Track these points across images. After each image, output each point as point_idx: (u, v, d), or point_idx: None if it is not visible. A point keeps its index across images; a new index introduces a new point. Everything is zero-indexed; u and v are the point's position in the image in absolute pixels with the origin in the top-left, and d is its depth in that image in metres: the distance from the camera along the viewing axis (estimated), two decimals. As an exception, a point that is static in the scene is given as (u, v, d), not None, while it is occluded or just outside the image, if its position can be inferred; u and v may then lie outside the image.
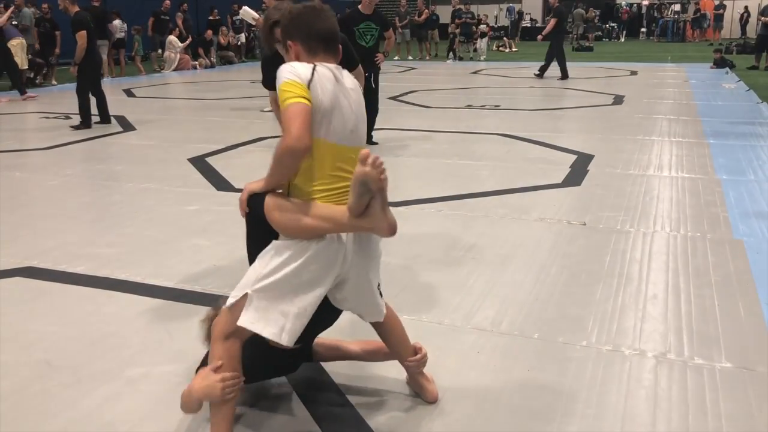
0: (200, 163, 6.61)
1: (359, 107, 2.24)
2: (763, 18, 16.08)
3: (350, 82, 2.25)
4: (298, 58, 2.21)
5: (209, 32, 19.43)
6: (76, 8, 8.68)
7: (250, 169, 6.49)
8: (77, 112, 8.82)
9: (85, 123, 8.76)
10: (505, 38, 25.85)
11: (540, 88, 12.98)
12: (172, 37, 17.25)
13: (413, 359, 2.45)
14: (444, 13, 22.78)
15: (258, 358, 2.32)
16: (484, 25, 21.89)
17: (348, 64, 3.03)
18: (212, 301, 3.31)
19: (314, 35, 2.21)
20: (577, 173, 5.96)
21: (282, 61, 2.31)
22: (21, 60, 13.23)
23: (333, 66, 2.19)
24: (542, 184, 5.62)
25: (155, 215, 4.91)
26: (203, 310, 3.06)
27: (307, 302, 2.12)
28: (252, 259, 2.24)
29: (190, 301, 3.41)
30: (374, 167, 1.96)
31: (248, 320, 2.07)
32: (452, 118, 9.23)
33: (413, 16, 21.20)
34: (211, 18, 20.13)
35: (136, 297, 3.47)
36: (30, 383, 2.65)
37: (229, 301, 2.13)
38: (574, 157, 6.62)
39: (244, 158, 7.03)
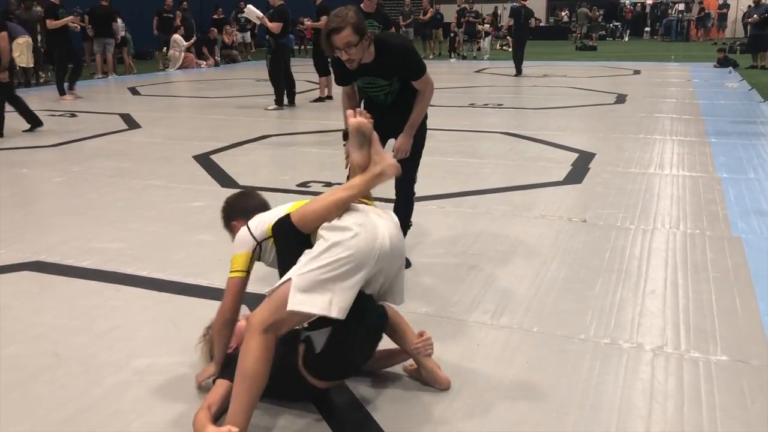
0: (205, 160, 6.67)
1: None
2: (749, 20, 16.44)
3: None
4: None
5: (214, 31, 19.50)
6: None
7: (255, 166, 6.57)
8: (83, 109, 8.87)
9: None
10: (508, 37, 25.85)
11: (543, 87, 13.01)
12: (176, 36, 17.32)
13: (420, 341, 2.51)
14: (448, 12, 22.82)
15: (282, 385, 2.39)
16: (487, 25, 21.92)
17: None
18: (218, 295, 3.38)
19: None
20: (578, 171, 6.01)
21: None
22: (26, 58, 13.31)
23: None
24: (544, 181, 5.67)
25: (161, 211, 4.97)
26: (209, 303, 3.15)
27: (353, 280, 2.19)
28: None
29: (196, 294, 3.47)
30: (362, 115, 2.41)
31: (296, 303, 2.12)
32: (455, 117, 9.27)
33: (417, 15, 21.25)
34: (215, 16, 20.21)
35: (142, 290, 3.53)
36: (38, 374, 2.71)
37: (270, 290, 2.18)
38: (575, 155, 6.66)
39: (249, 155, 7.09)
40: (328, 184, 5.60)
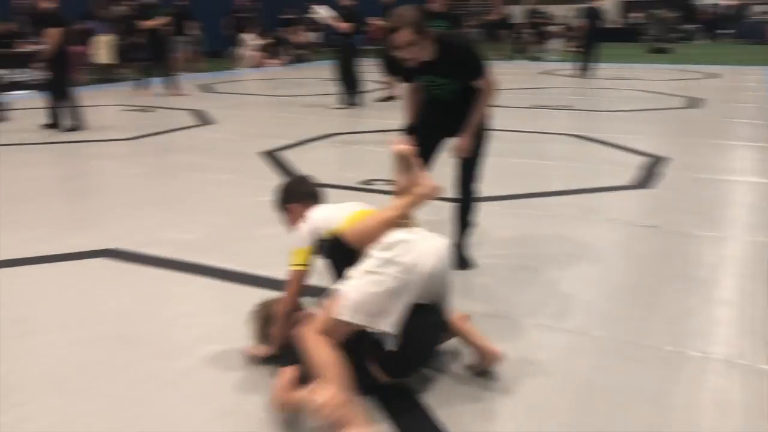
0: (272, 156, 6.80)
1: None
2: None
3: None
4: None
5: (285, 30, 19.83)
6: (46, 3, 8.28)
7: (320, 164, 6.65)
8: (159, 104, 9.16)
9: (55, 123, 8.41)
10: (578, 39, 25.35)
11: (612, 89, 12.72)
12: (248, 35, 17.70)
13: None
14: (516, 13, 22.54)
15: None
16: (557, 25, 21.57)
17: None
18: (280, 286, 3.45)
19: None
20: (649, 175, 5.85)
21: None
22: (108, 55, 13.87)
23: None
24: (613, 185, 5.55)
25: (229, 204, 5.10)
26: (273, 295, 3.21)
27: (400, 295, 2.33)
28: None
29: (261, 285, 3.54)
30: (404, 143, 2.58)
31: (343, 313, 2.27)
32: (521, 118, 9.17)
33: (486, 15, 21.09)
34: (286, 16, 20.55)
35: (210, 280, 3.64)
36: (109, 356, 2.83)
37: (323, 302, 2.31)
38: (646, 159, 6.49)
39: (315, 153, 7.19)
40: (393, 183, 5.62)
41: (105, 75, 14.28)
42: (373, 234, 2.44)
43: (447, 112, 3.56)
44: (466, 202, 3.80)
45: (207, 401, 2.49)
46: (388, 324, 2.31)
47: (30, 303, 3.34)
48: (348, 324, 2.30)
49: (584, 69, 14.90)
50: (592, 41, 14.91)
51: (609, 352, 2.85)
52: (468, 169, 3.69)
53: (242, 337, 2.96)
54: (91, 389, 2.57)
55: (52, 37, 8.06)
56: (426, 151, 3.67)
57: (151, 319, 3.17)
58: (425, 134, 3.63)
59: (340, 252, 2.51)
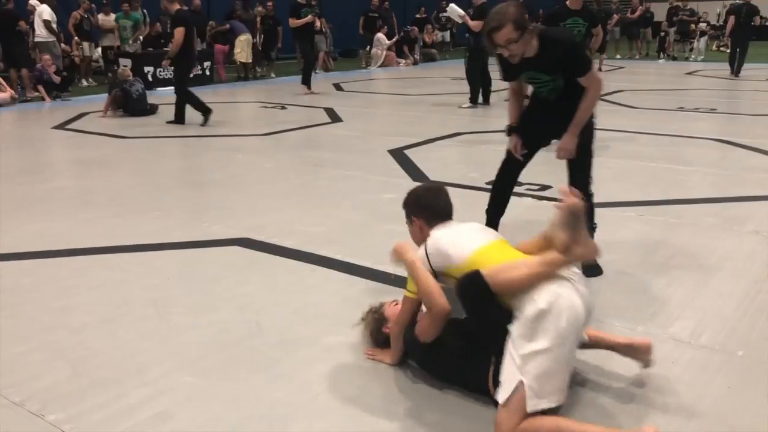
0: (399, 154, 6.87)
1: None
2: None
3: None
4: None
5: (415, 30, 19.97)
6: (176, 6, 8.85)
7: (446, 163, 6.65)
8: (292, 102, 9.50)
9: (179, 119, 8.91)
10: (726, 38, 23.78)
11: (765, 91, 11.81)
12: (380, 35, 17.98)
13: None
14: (659, 11, 21.46)
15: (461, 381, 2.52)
16: (704, 24, 20.30)
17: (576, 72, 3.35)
18: (402, 284, 3.47)
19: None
20: (803, 185, 5.38)
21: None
22: (246, 55, 14.56)
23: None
24: (762, 194, 5.15)
25: (356, 200, 5.21)
26: (396, 292, 3.25)
27: (567, 355, 2.25)
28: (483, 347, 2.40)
29: (384, 281, 3.58)
30: (575, 195, 2.25)
31: (534, 405, 2.16)
32: (660, 120, 8.71)
33: (625, 13, 20.21)
34: (418, 16, 20.68)
35: (336, 273, 3.73)
36: (243, 340, 2.96)
37: (502, 397, 2.19)
38: (801, 167, 5.98)
39: (441, 152, 7.19)
40: (518, 184, 5.52)
41: (242, 73, 14.99)
42: (520, 287, 2.26)
43: (550, 109, 3.49)
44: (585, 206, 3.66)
45: (328, 390, 2.55)
46: (564, 396, 2.23)
47: (163, 286, 3.56)
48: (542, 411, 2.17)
49: (733, 70, 13.94)
50: (741, 40, 13.93)
51: (751, 372, 2.64)
52: (578, 170, 3.59)
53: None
54: (221, 372, 2.70)
55: (175, 37, 8.61)
56: (527, 152, 3.67)
57: (280, 308, 3.29)
58: (528, 134, 3.59)
59: (478, 294, 2.32)
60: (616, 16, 18.67)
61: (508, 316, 2.27)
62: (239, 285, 3.56)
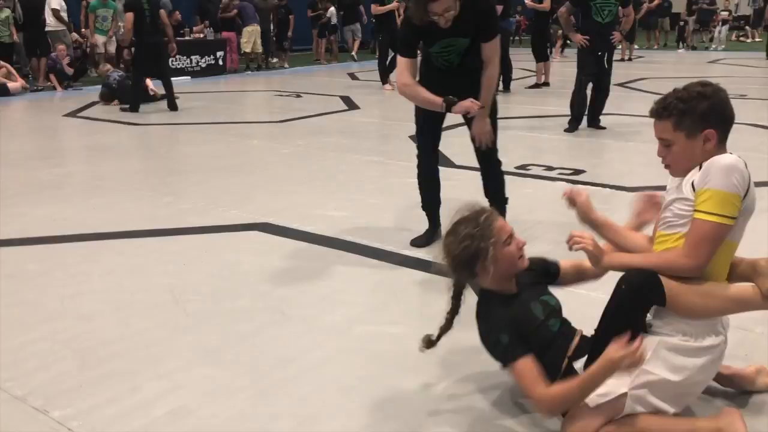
0: (421, 140, 6.60)
1: None
2: None
3: None
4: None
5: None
6: None
7: (469, 149, 6.35)
8: (307, 90, 9.26)
9: (132, 107, 8.64)
10: (747, 27, 23.34)
11: (794, 78, 11.46)
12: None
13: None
14: (677, 1, 21.03)
15: None
16: (726, 12, 19.88)
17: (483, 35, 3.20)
18: (428, 267, 3.22)
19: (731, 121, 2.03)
20: None
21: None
22: (252, 45, 14.28)
23: None
24: (808, 178, 4.84)
25: (379, 185, 4.95)
26: (426, 277, 3.01)
27: (692, 397, 2.00)
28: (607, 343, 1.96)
29: (413, 266, 3.34)
30: None
31: (631, 409, 1.90)
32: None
33: (645, 2, 19.78)
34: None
35: (362, 258, 3.48)
36: (267, 328, 2.72)
37: (594, 400, 1.88)
38: None
39: (463, 138, 6.75)
40: (549, 168, 5.27)
41: (251, 64, 14.71)
42: (699, 317, 1.91)
43: (452, 77, 3.35)
44: (495, 175, 3.60)
45: (361, 383, 2.30)
46: None
47: (180, 272, 3.31)
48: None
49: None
50: None
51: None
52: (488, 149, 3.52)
53: (394, 319, 2.77)
54: (243, 362, 2.45)
55: (126, 22, 8.44)
56: (436, 124, 3.56)
57: (305, 295, 3.04)
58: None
59: (644, 303, 1.93)
60: (645, 6, 18.21)
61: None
62: (260, 271, 3.31)
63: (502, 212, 3.43)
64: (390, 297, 3.02)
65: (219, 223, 4.05)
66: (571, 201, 2.24)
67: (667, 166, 2.06)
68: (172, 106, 8.71)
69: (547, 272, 2.21)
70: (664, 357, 1.88)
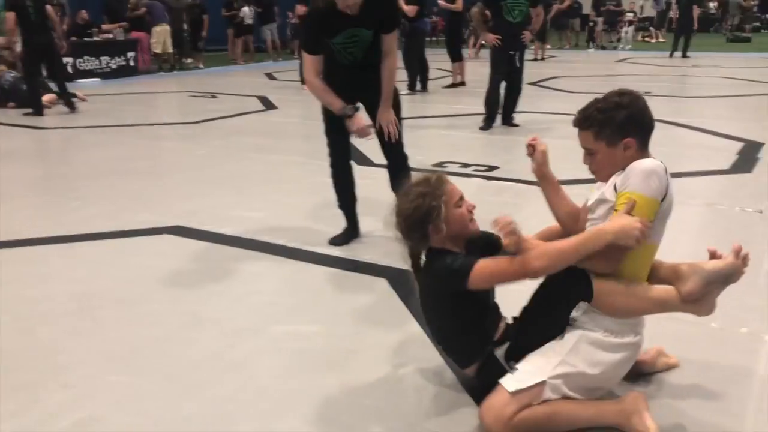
0: (339, 139, 6.58)
1: None
2: None
3: None
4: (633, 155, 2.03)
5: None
6: None
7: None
8: (222, 91, 9.09)
9: (35, 110, 8.24)
10: (651, 28, 24.46)
11: (694, 76, 12.08)
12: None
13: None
14: (586, 2, 21.79)
15: None
16: (631, 13, 20.76)
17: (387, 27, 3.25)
18: (360, 267, 3.23)
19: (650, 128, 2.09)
20: (746, 160, 5.39)
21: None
22: (162, 45, 13.93)
23: None
24: (707, 169, 5.12)
25: (299, 185, 4.91)
26: (349, 276, 3.00)
27: (603, 391, 2.06)
28: (531, 331, 2.04)
29: (331, 265, 3.33)
30: (746, 265, 1.98)
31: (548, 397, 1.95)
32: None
33: (556, 2, 20.41)
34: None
35: (278, 258, 3.44)
36: (178, 332, 2.65)
37: (513, 385, 1.92)
38: (740, 144, 6.00)
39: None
40: (465, 165, 5.37)
41: (163, 65, 14.34)
42: (623, 316, 1.99)
43: (356, 72, 3.36)
44: (402, 168, 3.59)
45: (278, 383, 2.27)
46: None
47: (87, 279, 3.19)
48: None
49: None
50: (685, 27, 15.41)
51: (726, 342, 2.51)
52: (395, 142, 3.58)
53: (310, 318, 2.75)
54: (155, 367, 2.38)
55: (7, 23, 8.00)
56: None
57: (219, 297, 2.98)
58: (345, 101, 3.37)
59: (573, 298, 1.97)
60: (554, 7, 18.78)
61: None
62: (172, 275, 3.22)
63: None
64: (306, 296, 3.00)
65: (129, 228, 3.92)
66: (531, 149, 2.31)
67: (593, 173, 2.15)
68: (70, 106, 8.39)
69: (489, 242, 2.21)
70: (585, 351, 1.95)
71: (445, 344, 2.21)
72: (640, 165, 1.98)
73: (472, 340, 2.07)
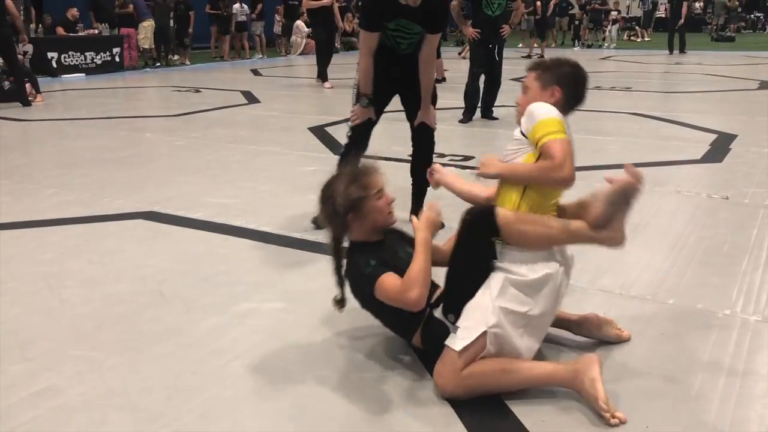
0: (319, 131, 6.63)
1: None
2: None
3: None
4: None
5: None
6: None
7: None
8: (207, 86, 9.09)
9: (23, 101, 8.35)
10: (637, 27, 24.62)
11: (675, 73, 12.18)
12: (299, 22, 17.59)
13: None
14: (574, 1, 21.90)
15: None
16: (616, 12, 20.88)
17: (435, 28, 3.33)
18: (323, 250, 3.25)
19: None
20: (718, 151, 5.47)
21: None
22: (149, 41, 13.92)
23: None
24: (679, 159, 5.19)
25: (274, 173, 4.94)
26: (315, 257, 3.04)
27: (543, 329, 2.13)
28: (457, 278, 2.10)
29: (302, 248, 3.36)
30: (640, 181, 2.03)
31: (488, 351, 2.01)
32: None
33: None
34: (338, 4, 20.38)
35: (249, 242, 3.47)
36: (144, 310, 2.67)
37: (459, 344, 1.97)
38: (713, 136, 6.09)
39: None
40: (441, 155, 5.41)
41: (149, 61, 14.31)
42: (531, 245, 2.06)
43: (398, 63, 3.44)
44: (427, 146, 3.82)
45: (239, 356, 2.30)
46: (527, 353, 2.06)
47: (57, 261, 3.21)
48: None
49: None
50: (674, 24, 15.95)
51: (682, 319, 2.56)
52: (430, 132, 3.72)
53: (275, 296, 2.79)
54: (121, 343, 2.41)
55: None
56: (379, 107, 3.59)
57: (186, 277, 3.00)
58: (382, 89, 3.48)
59: (483, 233, 2.05)
60: (552, 3, 18.81)
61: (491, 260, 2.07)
62: (142, 257, 3.25)
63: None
64: (273, 276, 3.03)
65: (103, 213, 3.94)
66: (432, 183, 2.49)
67: (518, 112, 2.27)
68: (24, 102, 8.34)
69: (403, 236, 2.29)
70: (510, 293, 2.02)
71: (383, 321, 2.26)
72: (536, 102, 2.17)
73: (404, 312, 2.08)
